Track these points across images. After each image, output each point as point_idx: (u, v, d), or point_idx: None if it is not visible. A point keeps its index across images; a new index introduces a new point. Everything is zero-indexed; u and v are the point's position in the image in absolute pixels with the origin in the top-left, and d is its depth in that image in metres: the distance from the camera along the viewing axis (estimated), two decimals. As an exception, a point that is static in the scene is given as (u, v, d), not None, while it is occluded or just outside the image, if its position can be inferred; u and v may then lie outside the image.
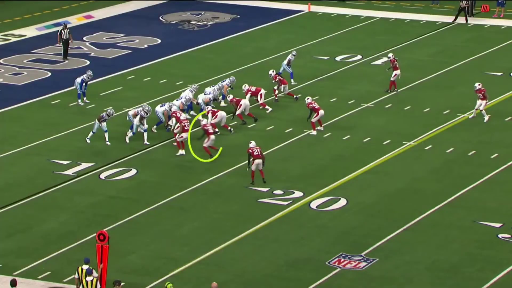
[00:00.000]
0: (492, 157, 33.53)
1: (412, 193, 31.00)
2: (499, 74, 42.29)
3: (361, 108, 38.07)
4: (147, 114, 35.04)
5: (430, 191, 31.01)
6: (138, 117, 35.01)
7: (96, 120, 34.80)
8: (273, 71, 39.13)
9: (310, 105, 35.80)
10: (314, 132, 35.64)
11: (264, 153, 32.16)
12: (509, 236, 27.86)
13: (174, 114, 35.27)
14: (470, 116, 36.82)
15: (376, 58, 44.42)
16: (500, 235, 27.95)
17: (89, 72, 38.85)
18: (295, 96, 39.27)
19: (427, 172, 32.64)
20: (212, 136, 33.55)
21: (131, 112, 35.71)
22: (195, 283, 25.29)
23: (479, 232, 28.23)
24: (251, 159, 31.57)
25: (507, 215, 29.19)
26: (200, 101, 37.20)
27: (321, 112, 35.60)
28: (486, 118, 36.40)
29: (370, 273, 25.92)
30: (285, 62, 40.69)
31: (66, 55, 44.44)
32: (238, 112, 36.80)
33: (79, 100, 38.80)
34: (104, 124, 34.66)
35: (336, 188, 31.28)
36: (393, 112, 37.97)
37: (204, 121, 35.11)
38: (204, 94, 37.48)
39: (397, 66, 39.06)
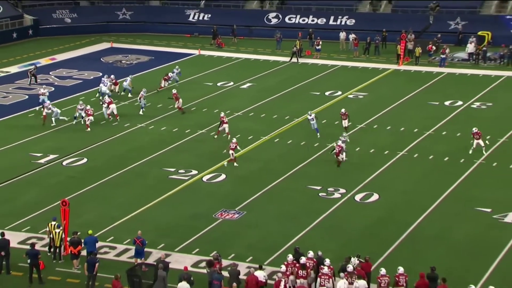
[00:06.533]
0: (315, 145, 33.59)
1: (267, 170, 30.86)
2: (318, 93, 42.00)
3: (233, 116, 37.73)
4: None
5: (279, 168, 30.88)
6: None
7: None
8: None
9: (222, 118, 34.55)
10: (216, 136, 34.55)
11: (168, 148, 32.58)
12: (325, 194, 28.23)
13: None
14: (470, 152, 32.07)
15: (243, 84, 44.09)
16: (320, 194, 28.41)
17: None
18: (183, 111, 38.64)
19: (277, 156, 32.62)
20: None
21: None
22: (127, 232, 25.21)
23: (308, 194, 28.53)
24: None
25: (325, 181, 29.37)
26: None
27: (225, 126, 34.14)
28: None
29: (240, 221, 26.43)
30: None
31: (31, 83, 43.91)
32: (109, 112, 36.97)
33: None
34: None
35: (221, 167, 31.18)
36: (254, 118, 37.78)
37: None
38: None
39: None
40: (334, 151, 31.32)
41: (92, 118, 36.34)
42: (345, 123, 34.79)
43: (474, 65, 47.79)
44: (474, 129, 31.97)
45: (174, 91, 39.42)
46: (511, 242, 24.48)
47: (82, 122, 36.74)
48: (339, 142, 31.61)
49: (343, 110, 35.22)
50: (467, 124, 35.91)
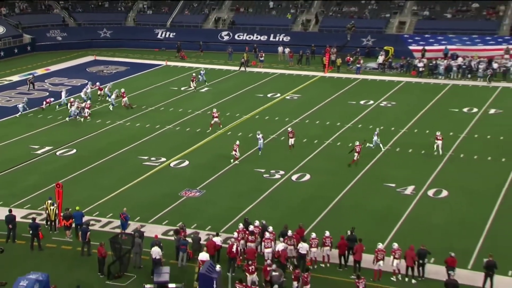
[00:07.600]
0: (249, 136, 32.91)
1: (222, 157, 30.23)
2: (262, 95, 41.76)
3: (194, 114, 37.30)
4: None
5: (231, 156, 29.88)
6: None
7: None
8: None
9: (213, 114, 33.84)
10: (209, 130, 33.62)
11: (142, 140, 32.02)
12: (268, 175, 28.17)
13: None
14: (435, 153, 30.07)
15: (202, 88, 43.57)
16: (264, 175, 28.31)
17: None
18: (132, 107, 38.39)
19: (230, 146, 31.14)
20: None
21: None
22: (110, 208, 25.06)
23: (255, 175, 28.36)
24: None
25: (268, 165, 29.20)
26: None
27: (216, 119, 33.45)
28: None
29: (201, 198, 26.27)
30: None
31: (30, 89, 43.18)
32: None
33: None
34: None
35: (185, 155, 30.89)
36: (211, 116, 35.81)
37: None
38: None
39: None
40: (354, 150, 29.13)
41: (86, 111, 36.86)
42: (291, 141, 30.91)
43: (382, 73, 48.56)
44: (438, 133, 30.54)
45: (122, 90, 39.20)
46: (409, 210, 25.20)
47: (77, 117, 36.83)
48: (373, 139, 29.97)
49: (289, 128, 31.89)
50: (377, 118, 36.74)
